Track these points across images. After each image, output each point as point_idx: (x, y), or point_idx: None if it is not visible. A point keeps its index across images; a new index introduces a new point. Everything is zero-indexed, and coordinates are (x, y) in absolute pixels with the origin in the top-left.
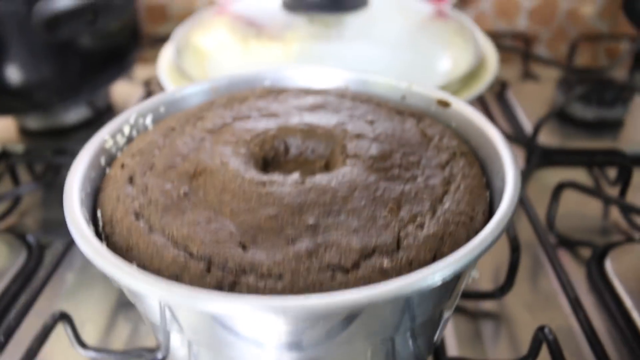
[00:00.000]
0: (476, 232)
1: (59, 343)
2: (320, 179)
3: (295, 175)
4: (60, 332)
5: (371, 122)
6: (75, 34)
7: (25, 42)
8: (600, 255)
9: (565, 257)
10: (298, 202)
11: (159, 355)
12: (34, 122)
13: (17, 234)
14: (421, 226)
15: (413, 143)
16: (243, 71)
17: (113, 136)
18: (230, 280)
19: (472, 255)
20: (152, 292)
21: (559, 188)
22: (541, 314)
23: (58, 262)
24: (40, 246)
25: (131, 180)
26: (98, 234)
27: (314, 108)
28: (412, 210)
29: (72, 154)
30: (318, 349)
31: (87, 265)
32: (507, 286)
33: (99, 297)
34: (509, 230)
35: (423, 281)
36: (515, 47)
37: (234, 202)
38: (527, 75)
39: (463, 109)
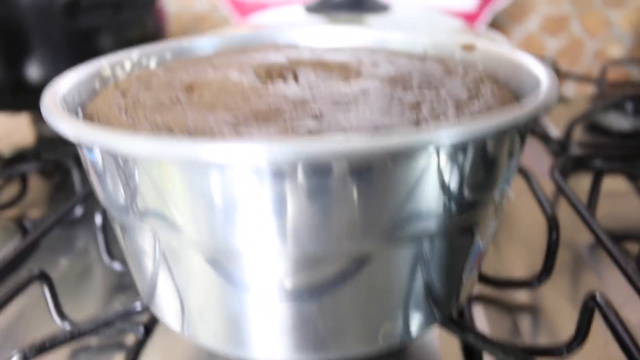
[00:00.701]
0: None
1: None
2: (331, 85)
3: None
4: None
5: (390, 61)
6: (96, 25)
7: (46, 37)
8: None
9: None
10: (303, 97)
11: (138, 306)
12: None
13: (15, 219)
14: (442, 118)
15: (434, 74)
16: (256, 31)
17: (112, 67)
18: None
19: (506, 119)
20: (129, 146)
21: (599, 174)
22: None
23: (47, 229)
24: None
25: (123, 94)
26: None
27: (328, 52)
28: (435, 111)
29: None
30: (317, 240)
31: (85, 249)
32: (546, 272)
33: (93, 280)
34: (546, 209)
35: (438, 134)
36: None
37: (230, 100)
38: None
39: (489, 47)
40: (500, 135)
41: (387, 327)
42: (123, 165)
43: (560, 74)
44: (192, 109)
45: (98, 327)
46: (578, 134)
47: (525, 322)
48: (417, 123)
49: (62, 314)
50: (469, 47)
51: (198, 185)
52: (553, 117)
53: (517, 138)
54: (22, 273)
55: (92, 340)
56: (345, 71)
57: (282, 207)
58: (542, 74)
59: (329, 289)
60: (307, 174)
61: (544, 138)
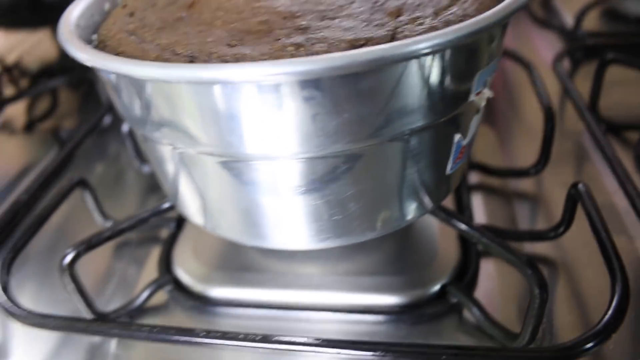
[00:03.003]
0: None
1: (79, 216)
2: None
3: None
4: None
5: None
6: None
7: None
8: None
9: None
10: (291, 10)
11: (166, 204)
12: None
13: (51, 130)
14: (421, 24)
15: None
16: None
17: None
18: None
19: (469, 29)
20: (137, 71)
21: (603, 65)
22: None
23: (84, 136)
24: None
25: (131, 14)
26: None
27: None
28: (413, 15)
29: None
30: (309, 144)
31: (117, 155)
32: (542, 162)
33: (127, 184)
34: (543, 100)
35: (407, 47)
36: None
37: (226, 16)
38: None
39: None
40: (463, 45)
41: (384, 216)
42: (136, 85)
43: None
44: (193, 28)
45: (135, 223)
46: (592, 22)
47: (522, 210)
48: (393, 36)
49: (103, 214)
50: None
51: (205, 101)
52: (567, 3)
53: (485, 45)
54: (64, 181)
55: (132, 236)
56: None
57: (278, 117)
58: None
59: (330, 183)
60: (294, 89)
61: (556, 26)
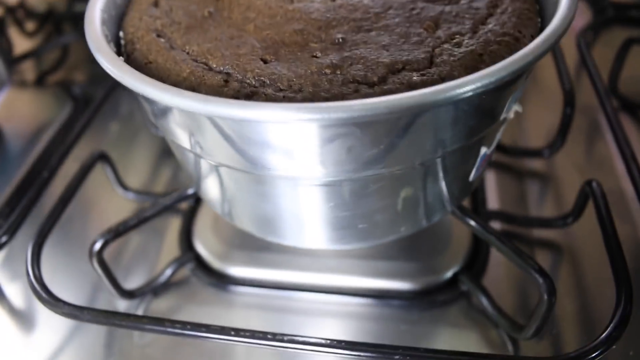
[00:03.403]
0: None
1: (100, 186)
2: None
3: None
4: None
5: None
6: None
7: None
8: None
9: (626, 121)
10: (326, 18)
11: (190, 190)
12: None
13: (64, 86)
14: (459, 45)
15: None
16: None
17: None
18: (248, 91)
19: (511, 68)
20: (167, 99)
21: (627, 44)
22: (592, 175)
23: (98, 106)
24: (86, 98)
25: (156, 3)
26: (120, 53)
27: None
28: (451, 30)
29: None
30: (340, 169)
31: (130, 114)
32: (558, 144)
33: (142, 145)
34: (564, 83)
35: (452, 91)
36: None
37: (258, 19)
38: None
39: None
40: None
41: (408, 222)
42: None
43: None
44: (224, 31)
45: (160, 210)
46: None
47: (533, 189)
48: (431, 59)
49: (123, 186)
50: None
51: (245, 131)
52: None
53: (520, 79)
54: (86, 158)
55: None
56: None
57: (314, 148)
58: None
59: (359, 200)
60: (331, 127)
61: None
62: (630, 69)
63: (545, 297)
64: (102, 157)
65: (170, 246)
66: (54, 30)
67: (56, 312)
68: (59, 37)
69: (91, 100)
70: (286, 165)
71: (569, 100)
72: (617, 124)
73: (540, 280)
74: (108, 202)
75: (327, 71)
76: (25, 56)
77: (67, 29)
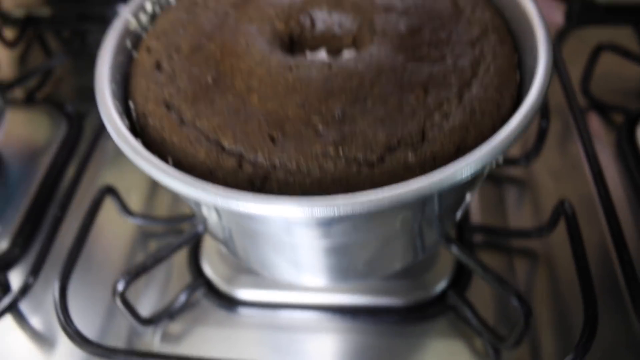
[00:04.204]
0: (502, 120)
1: (108, 212)
2: (347, 62)
3: (322, 55)
4: (108, 202)
5: None
6: None
7: None
8: (632, 121)
9: (597, 123)
10: (325, 88)
11: (200, 228)
12: None
13: (56, 104)
14: (446, 116)
15: (444, 15)
16: None
17: (136, 15)
18: (261, 175)
19: (495, 151)
20: (189, 192)
21: (597, 50)
22: (566, 181)
23: (98, 134)
24: (79, 115)
25: (158, 66)
26: (132, 123)
27: None
28: (439, 96)
29: (96, 19)
30: (346, 237)
31: None
32: (534, 153)
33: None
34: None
35: (445, 180)
36: None
37: (261, 89)
38: None
39: None
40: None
41: (404, 261)
42: None
43: None
44: (229, 102)
45: (174, 249)
46: None
47: (511, 194)
48: (423, 134)
49: (130, 213)
50: None
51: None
52: None
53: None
54: (95, 193)
55: (158, 229)
56: (359, 13)
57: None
58: (542, 50)
59: (357, 250)
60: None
61: None
62: (602, 69)
63: (523, 319)
64: (110, 191)
65: (180, 270)
66: (34, 36)
67: (90, 354)
68: (48, 59)
69: (83, 117)
70: (291, 231)
71: (544, 113)
72: (586, 133)
73: (519, 305)
74: (115, 227)
75: (331, 150)
76: (16, 82)
77: (48, 37)
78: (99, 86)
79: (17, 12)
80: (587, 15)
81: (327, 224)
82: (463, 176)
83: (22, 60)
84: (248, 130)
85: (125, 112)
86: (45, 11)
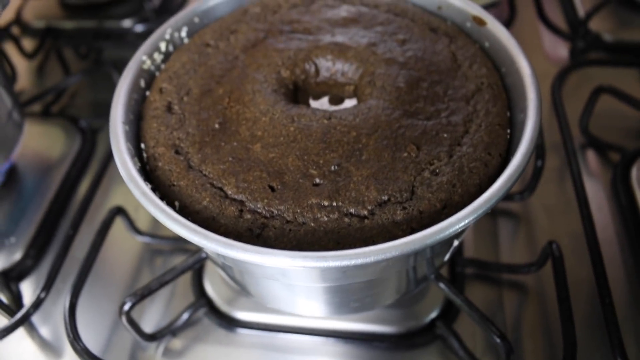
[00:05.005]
0: (489, 178)
1: (117, 230)
2: (347, 114)
3: (325, 105)
4: (118, 221)
5: (402, 42)
6: None
7: None
8: (628, 161)
9: (594, 160)
10: (324, 140)
11: (203, 254)
12: None
13: (71, 118)
14: (436, 173)
15: (442, 70)
16: None
17: (150, 55)
18: (260, 223)
19: (475, 214)
20: (192, 238)
21: (597, 91)
22: (560, 218)
23: (110, 152)
24: (93, 130)
25: (169, 108)
26: (143, 164)
27: (346, 23)
28: (431, 154)
29: (112, 36)
30: (337, 281)
31: None
32: (529, 191)
33: None
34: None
35: (429, 239)
36: None
37: (264, 138)
38: None
39: (498, 30)
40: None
41: (394, 297)
42: None
43: None
44: (234, 148)
45: (179, 273)
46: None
47: (505, 230)
48: (412, 191)
49: (138, 232)
50: (480, 21)
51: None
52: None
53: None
54: (105, 214)
55: (165, 247)
56: (361, 63)
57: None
58: (531, 112)
59: (352, 291)
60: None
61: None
62: (603, 107)
63: (504, 356)
64: (119, 211)
65: (184, 289)
66: (52, 47)
67: None
68: (66, 77)
69: (97, 132)
70: (290, 276)
71: (540, 154)
72: (579, 176)
73: (500, 343)
74: (124, 245)
75: (325, 203)
76: (34, 99)
77: (65, 51)
78: (113, 129)
79: (37, 23)
80: (594, 53)
81: (319, 271)
82: (444, 236)
83: (40, 70)
84: (250, 179)
85: (137, 152)
86: (64, 24)
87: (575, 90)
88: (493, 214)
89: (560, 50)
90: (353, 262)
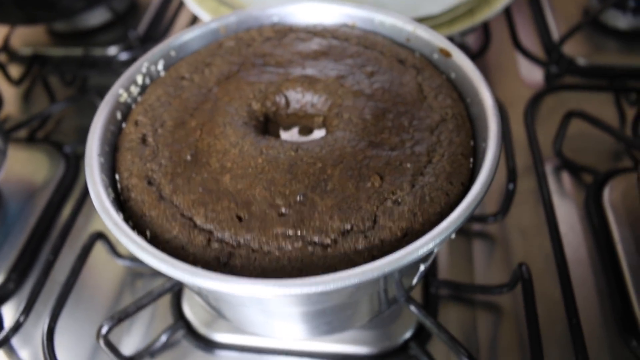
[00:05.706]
0: (450, 206)
1: (98, 254)
2: (314, 145)
3: (295, 135)
4: (98, 245)
5: (371, 74)
6: None
7: None
8: (601, 182)
9: (568, 181)
10: (290, 172)
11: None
12: (61, 26)
13: (55, 144)
14: (398, 202)
15: (408, 101)
16: (250, 9)
17: (127, 89)
18: (227, 252)
19: (432, 243)
20: (161, 268)
21: (568, 116)
22: (533, 239)
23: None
24: (77, 156)
25: (144, 140)
26: (117, 194)
27: (317, 55)
28: (394, 183)
29: (97, 65)
30: (306, 306)
31: None
32: (502, 213)
33: None
34: (509, 160)
35: (389, 266)
36: None
37: (233, 170)
38: None
39: (463, 62)
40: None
41: (364, 319)
42: None
43: None
44: (204, 179)
45: (156, 297)
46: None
47: (479, 251)
48: (374, 220)
49: (119, 255)
50: (446, 53)
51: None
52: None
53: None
54: (85, 239)
55: (146, 270)
56: (330, 96)
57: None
58: (491, 143)
59: (318, 314)
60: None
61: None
62: (577, 129)
63: None
64: (100, 236)
65: (163, 311)
66: (38, 74)
67: None
68: (51, 104)
69: (80, 158)
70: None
71: (512, 178)
72: (549, 200)
73: None
74: (104, 268)
75: (290, 232)
76: (19, 125)
77: (51, 79)
78: (88, 161)
79: (25, 50)
80: (569, 77)
81: (285, 298)
82: (400, 264)
83: (26, 97)
84: (218, 209)
85: (112, 182)
86: (51, 51)
87: (550, 114)
88: (468, 235)
89: (535, 74)
90: (313, 289)
